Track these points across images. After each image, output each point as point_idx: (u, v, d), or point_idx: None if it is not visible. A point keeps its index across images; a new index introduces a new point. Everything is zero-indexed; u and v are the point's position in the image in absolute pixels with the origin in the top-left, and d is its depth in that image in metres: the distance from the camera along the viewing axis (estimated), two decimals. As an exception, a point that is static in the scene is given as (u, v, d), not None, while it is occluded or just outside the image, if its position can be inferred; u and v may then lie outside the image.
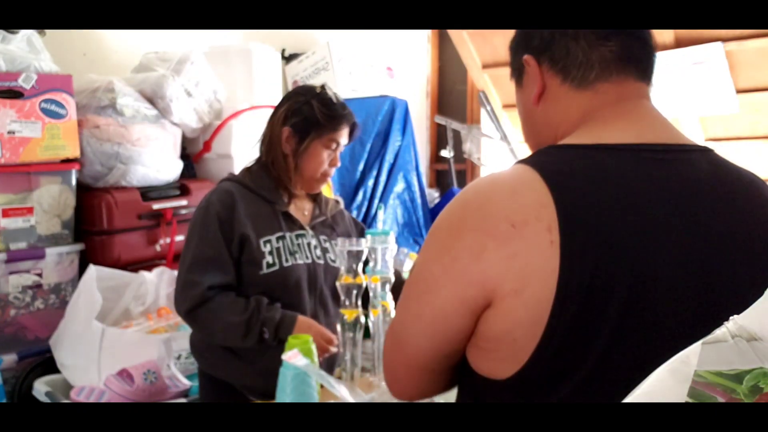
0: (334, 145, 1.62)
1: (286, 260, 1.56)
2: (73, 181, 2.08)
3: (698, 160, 0.80)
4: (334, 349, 1.50)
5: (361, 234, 1.76)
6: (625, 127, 0.80)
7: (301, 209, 1.68)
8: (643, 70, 0.84)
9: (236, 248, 1.53)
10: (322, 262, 1.63)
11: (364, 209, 3.17)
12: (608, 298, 0.69)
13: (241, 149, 2.30)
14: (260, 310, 1.48)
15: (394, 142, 3.24)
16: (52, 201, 2.04)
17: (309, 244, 1.62)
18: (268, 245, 1.55)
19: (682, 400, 0.57)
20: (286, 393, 1.54)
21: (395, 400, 0.92)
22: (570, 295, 0.68)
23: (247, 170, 1.66)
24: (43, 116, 1.96)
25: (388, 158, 3.23)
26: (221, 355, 1.57)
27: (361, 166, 3.18)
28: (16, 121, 1.91)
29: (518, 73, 0.91)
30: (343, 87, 3.06)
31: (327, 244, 1.66)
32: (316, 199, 1.72)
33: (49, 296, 2.08)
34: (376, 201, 3.19)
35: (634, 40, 0.83)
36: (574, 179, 0.73)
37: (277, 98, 3.12)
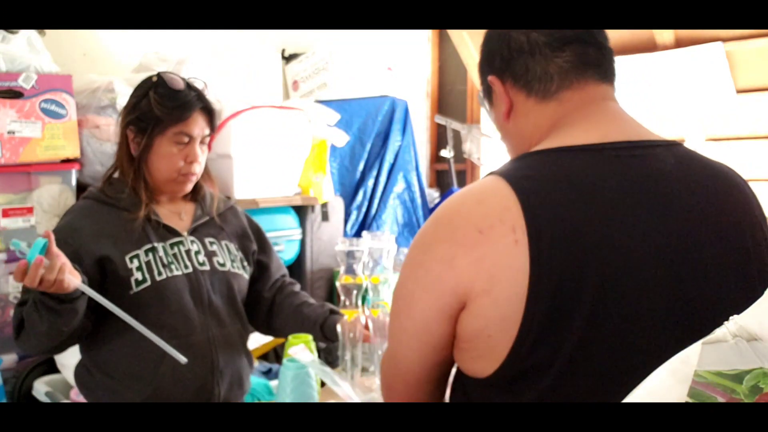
0: (185, 139, 1.41)
1: (159, 273, 1.39)
2: (73, 181, 2.08)
3: (664, 155, 0.82)
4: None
5: (258, 232, 1.63)
6: (589, 128, 0.83)
7: (176, 214, 1.49)
8: (603, 73, 0.87)
9: (95, 274, 1.34)
10: (206, 268, 1.45)
11: (364, 209, 3.16)
12: (579, 293, 0.71)
13: (241, 149, 2.30)
14: (29, 299, 1.25)
15: (394, 142, 3.24)
16: (52, 201, 2.04)
17: (188, 252, 1.44)
18: (136, 261, 1.37)
19: (682, 400, 0.57)
20: (286, 393, 1.54)
21: (395, 400, 0.92)
22: (541, 291, 0.71)
23: (107, 181, 1.47)
24: (43, 116, 1.96)
25: (388, 158, 3.23)
26: (108, 386, 1.39)
27: (361, 166, 3.18)
28: (16, 121, 1.91)
29: (488, 93, 0.95)
30: (343, 87, 3.06)
31: (215, 247, 1.49)
32: (197, 198, 1.53)
33: (49, 296, 2.08)
34: (376, 201, 3.18)
35: (588, 45, 0.86)
36: (538, 181, 0.76)
37: (277, 98, 3.15)
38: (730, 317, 0.74)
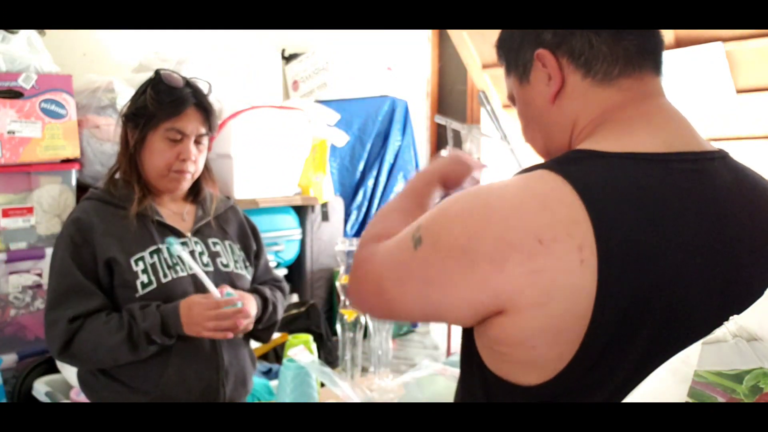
0: (177, 136, 1.40)
1: (164, 275, 1.39)
2: (73, 181, 2.08)
3: (721, 169, 0.78)
4: (245, 322, 1.37)
5: (255, 233, 1.63)
6: (652, 133, 0.77)
7: (178, 214, 1.50)
8: (659, 65, 0.82)
9: (105, 276, 1.36)
10: (210, 269, 1.45)
11: (364, 209, 3.16)
12: (644, 320, 0.68)
13: (241, 149, 2.31)
14: (137, 321, 1.32)
15: (394, 142, 3.24)
16: (52, 201, 2.04)
17: (192, 253, 1.44)
18: (141, 263, 1.37)
19: (682, 400, 0.57)
20: (286, 393, 1.54)
21: (395, 400, 0.91)
22: (607, 315, 0.67)
23: (110, 180, 1.47)
24: (43, 116, 1.96)
25: (388, 158, 3.23)
26: (114, 389, 1.39)
27: (361, 166, 3.18)
28: (16, 121, 1.91)
29: (523, 70, 0.85)
30: (343, 87, 3.06)
31: (218, 248, 1.49)
32: (198, 199, 1.53)
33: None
34: (376, 201, 3.18)
35: (649, 33, 0.81)
36: (607, 194, 0.70)
37: (277, 98, 3.15)
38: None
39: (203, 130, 1.44)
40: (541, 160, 0.83)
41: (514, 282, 0.68)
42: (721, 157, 0.80)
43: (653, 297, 0.68)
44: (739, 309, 0.72)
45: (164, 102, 1.39)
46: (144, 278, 1.37)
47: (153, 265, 1.38)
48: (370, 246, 0.86)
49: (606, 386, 0.69)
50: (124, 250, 1.37)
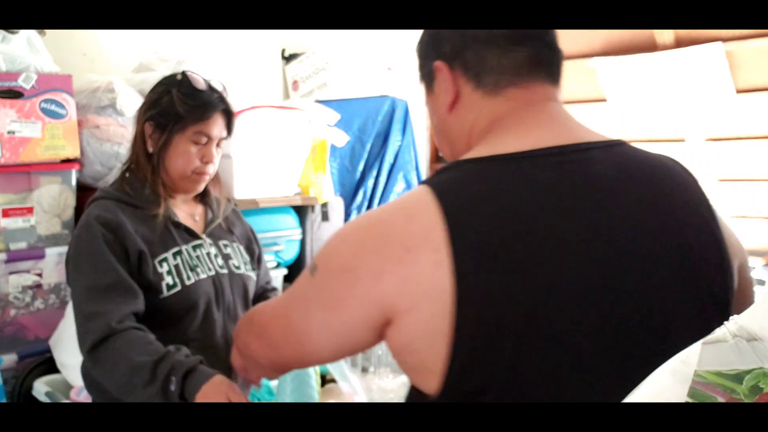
0: (203, 139, 1.41)
1: (188, 278, 1.38)
2: (73, 181, 2.08)
3: (600, 157, 0.79)
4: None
5: (255, 237, 1.62)
6: (523, 134, 0.80)
7: (191, 215, 1.50)
8: (552, 75, 0.85)
9: (135, 269, 1.33)
10: (225, 271, 1.45)
11: (364, 209, 3.16)
12: (507, 315, 0.69)
13: (241, 149, 2.31)
14: (174, 353, 1.22)
15: (394, 142, 3.24)
16: (52, 201, 2.04)
17: (209, 254, 1.44)
18: (165, 264, 1.36)
19: (682, 400, 0.57)
20: (286, 393, 1.54)
21: (395, 400, 0.92)
22: (468, 314, 0.69)
23: (122, 179, 1.45)
24: (43, 116, 1.96)
25: (388, 158, 3.23)
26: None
27: (361, 166, 3.18)
28: (16, 121, 1.91)
29: (429, 79, 0.89)
30: (343, 87, 3.06)
31: (229, 250, 1.50)
32: (205, 200, 1.53)
33: (49, 296, 2.08)
34: (376, 201, 3.18)
35: (544, 44, 0.84)
36: (464, 197, 0.74)
37: (277, 98, 3.15)
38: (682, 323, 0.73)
39: (224, 134, 1.46)
40: None
41: (390, 291, 0.72)
42: (604, 146, 0.80)
43: (514, 289, 0.70)
44: (639, 299, 0.73)
45: (193, 105, 1.39)
46: (169, 280, 1.36)
47: (177, 267, 1.38)
48: (249, 315, 0.99)
49: (489, 389, 0.70)
50: (149, 250, 1.36)
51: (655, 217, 0.77)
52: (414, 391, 0.79)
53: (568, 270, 0.72)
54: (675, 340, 0.69)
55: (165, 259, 1.37)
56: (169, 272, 1.36)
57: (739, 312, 0.80)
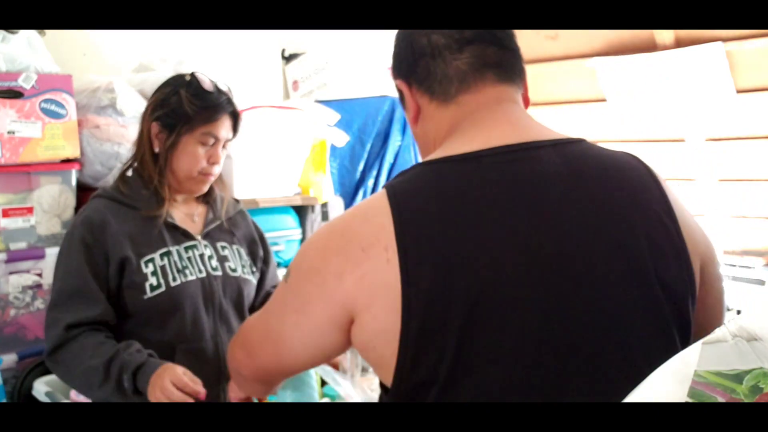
0: (211, 140, 1.42)
1: (174, 279, 1.37)
2: (73, 181, 2.08)
3: (548, 155, 0.80)
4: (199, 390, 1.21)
5: (262, 239, 1.62)
6: (474, 136, 0.82)
7: (189, 216, 1.49)
8: (503, 74, 0.86)
9: (115, 275, 1.34)
10: (219, 273, 1.44)
11: (364, 209, 3.16)
12: (448, 310, 0.72)
13: (241, 149, 2.31)
14: (123, 351, 1.26)
15: (394, 142, 3.24)
16: (52, 201, 2.04)
17: (202, 256, 1.44)
18: (151, 265, 1.36)
19: (682, 400, 0.57)
20: (286, 393, 1.54)
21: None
22: (413, 309, 0.72)
23: (121, 179, 1.46)
24: (43, 116, 1.96)
25: (388, 158, 3.22)
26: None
27: (361, 166, 3.18)
28: (16, 121, 1.91)
29: (400, 96, 0.94)
30: (343, 87, 3.06)
31: (226, 252, 1.49)
32: (208, 200, 1.53)
33: (49, 296, 2.08)
34: (376, 201, 3.18)
35: (489, 46, 0.85)
36: (413, 197, 0.77)
37: (277, 98, 3.14)
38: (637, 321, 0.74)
39: (231, 135, 1.47)
40: None
41: (351, 290, 0.76)
42: (556, 144, 0.82)
43: (454, 286, 0.72)
44: (581, 295, 0.74)
45: (202, 106, 1.40)
46: (153, 281, 1.36)
47: (162, 268, 1.37)
48: (239, 328, 1.02)
49: (435, 383, 0.73)
50: (135, 250, 1.36)
51: (599, 213, 0.78)
52: (382, 387, 0.81)
53: (510, 265, 0.74)
54: (622, 327, 0.73)
55: (152, 260, 1.37)
56: (154, 273, 1.36)
57: (704, 304, 0.83)
